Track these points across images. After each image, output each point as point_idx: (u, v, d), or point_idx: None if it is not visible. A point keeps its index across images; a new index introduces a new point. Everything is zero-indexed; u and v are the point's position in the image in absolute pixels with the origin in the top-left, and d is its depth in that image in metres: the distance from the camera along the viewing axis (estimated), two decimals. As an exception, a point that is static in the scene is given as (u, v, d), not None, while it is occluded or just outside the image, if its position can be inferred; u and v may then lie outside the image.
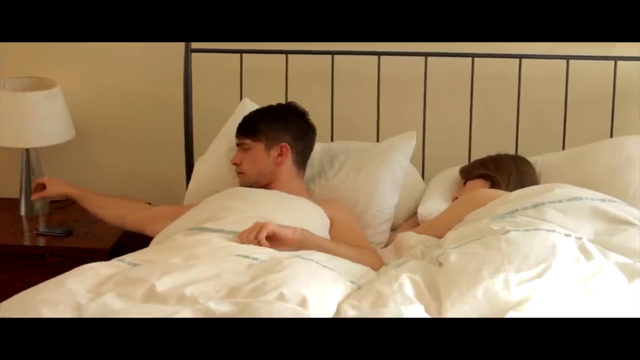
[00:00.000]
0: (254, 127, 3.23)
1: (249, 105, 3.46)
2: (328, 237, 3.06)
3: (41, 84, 3.70)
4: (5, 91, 3.66)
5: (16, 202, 3.76)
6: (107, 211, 3.36)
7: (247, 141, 3.22)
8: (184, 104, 3.55)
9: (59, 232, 3.57)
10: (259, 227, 2.81)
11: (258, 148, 3.20)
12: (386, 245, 3.23)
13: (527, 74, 3.54)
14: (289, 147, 3.20)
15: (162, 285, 2.50)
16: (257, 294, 2.45)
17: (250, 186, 3.21)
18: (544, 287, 2.47)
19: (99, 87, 3.83)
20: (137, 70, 3.73)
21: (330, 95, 3.60)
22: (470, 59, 3.52)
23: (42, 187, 3.45)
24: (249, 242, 2.79)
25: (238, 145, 3.25)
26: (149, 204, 3.81)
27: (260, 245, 2.78)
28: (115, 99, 3.83)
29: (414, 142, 3.34)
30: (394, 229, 3.30)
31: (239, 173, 3.24)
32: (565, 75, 3.51)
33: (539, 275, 2.49)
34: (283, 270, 2.55)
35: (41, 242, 3.54)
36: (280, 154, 3.20)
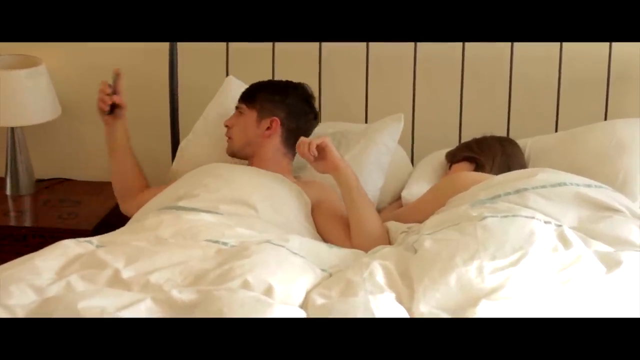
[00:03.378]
0: (253, 94, 3.19)
1: (235, 83, 3.41)
2: (308, 218, 3.00)
3: (26, 62, 3.64)
4: (-11, 69, 3.62)
5: (2, 181, 3.72)
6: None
7: (243, 106, 3.17)
8: (169, 81, 3.49)
9: None
10: (317, 139, 2.90)
11: (250, 115, 3.15)
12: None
13: (520, 54, 3.44)
14: (279, 122, 3.13)
15: (128, 271, 2.46)
16: (222, 280, 2.40)
17: (234, 154, 3.16)
18: (519, 275, 2.39)
19: (84, 65, 3.77)
20: (123, 47, 3.65)
21: (318, 74, 3.53)
22: (461, 38, 3.44)
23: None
24: (304, 154, 2.89)
25: (236, 109, 3.21)
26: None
27: (310, 152, 2.88)
28: (100, 76, 3.71)
29: (402, 124, 3.26)
30: (378, 212, 3.22)
31: (228, 138, 3.19)
32: (558, 55, 3.41)
33: (514, 263, 2.41)
34: (250, 257, 2.49)
35: (23, 222, 3.51)
36: (269, 128, 3.13)
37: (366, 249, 2.79)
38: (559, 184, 2.76)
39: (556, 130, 3.44)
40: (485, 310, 2.30)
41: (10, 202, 3.66)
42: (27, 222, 3.52)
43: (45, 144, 3.80)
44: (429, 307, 2.35)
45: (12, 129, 3.64)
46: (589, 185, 2.78)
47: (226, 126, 3.20)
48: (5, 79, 3.57)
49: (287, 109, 3.15)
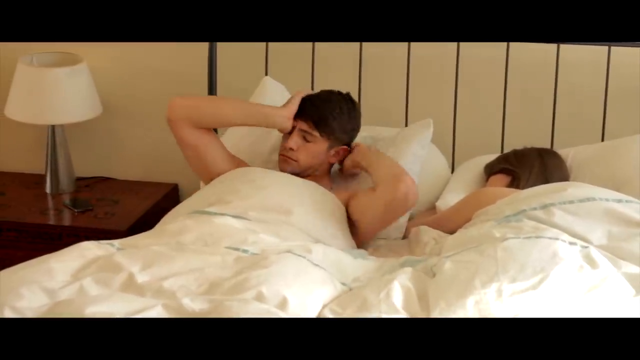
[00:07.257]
0: (328, 123, 3.05)
1: (271, 84, 3.36)
2: (341, 224, 2.93)
3: (67, 60, 3.64)
4: (32, 67, 3.62)
5: (42, 178, 3.72)
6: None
7: (315, 134, 3.05)
8: (208, 81, 3.47)
9: (77, 210, 3.54)
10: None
11: (322, 144, 3.07)
12: (404, 237, 3.09)
13: (566, 61, 3.33)
14: (348, 152, 3.12)
15: (142, 276, 2.42)
16: (236, 290, 2.35)
17: (293, 173, 3.06)
18: (539, 298, 2.28)
19: (125, 64, 3.76)
20: (163, 47, 3.64)
21: (358, 75, 3.47)
22: (505, 43, 3.33)
23: None
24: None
25: (301, 130, 3.06)
26: (176, 184, 3.77)
27: None
28: (141, 75, 3.76)
29: (431, 129, 3.18)
30: (410, 219, 3.15)
31: (287, 158, 3.06)
32: (606, 62, 3.29)
33: (535, 286, 2.30)
34: (268, 267, 2.43)
35: (60, 221, 3.50)
36: (337, 155, 3.11)
37: (391, 192, 2.81)
38: (588, 199, 2.64)
39: (602, 140, 3.32)
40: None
41: (50, 200, 3.66)
42: (65, 221, 3.51)
43: (85, 142, 3.80)
44: None
45: (53, 126, 3.64)
46: (619, 200, 2.66)
47: (290, 149, 3.05)
48: (46, 77, 3.58)
49: (355, 136, 3.15)
